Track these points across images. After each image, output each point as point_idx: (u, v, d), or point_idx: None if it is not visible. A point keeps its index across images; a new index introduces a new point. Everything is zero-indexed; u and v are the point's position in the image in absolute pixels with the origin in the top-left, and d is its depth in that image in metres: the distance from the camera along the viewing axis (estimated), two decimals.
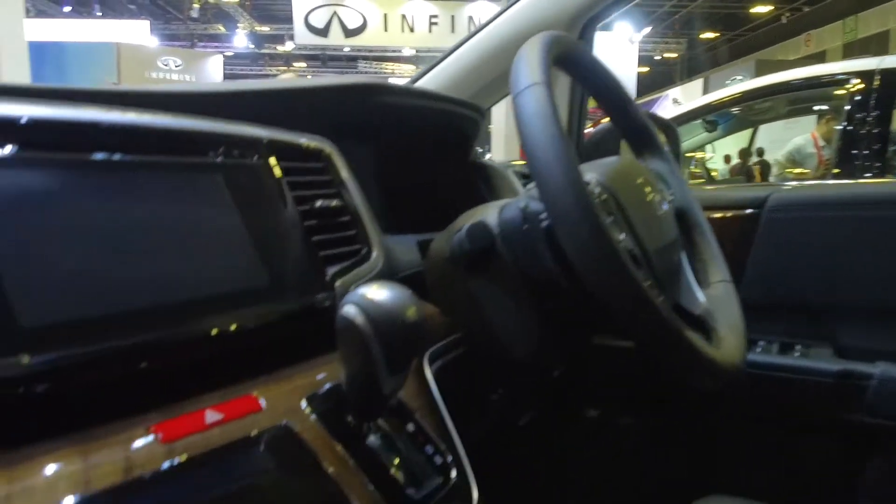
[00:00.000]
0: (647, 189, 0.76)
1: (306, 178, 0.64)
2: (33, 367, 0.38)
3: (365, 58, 17.99)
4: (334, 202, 0.65)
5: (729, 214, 1.20)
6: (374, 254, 0.67)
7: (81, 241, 0.44)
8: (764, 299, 1.16)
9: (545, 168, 0.57)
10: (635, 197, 0.73)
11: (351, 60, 18.41)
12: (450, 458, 0.58)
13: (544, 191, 0.58)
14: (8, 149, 0.43)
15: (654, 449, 1.28)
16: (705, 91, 10.87)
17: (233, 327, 0.50)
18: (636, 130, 0.89)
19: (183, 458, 0.42)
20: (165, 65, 11.62)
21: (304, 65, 20.07)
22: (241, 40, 16.92)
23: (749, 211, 1.18)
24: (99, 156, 0.48)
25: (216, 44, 16.48)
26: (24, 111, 0.46)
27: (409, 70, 18.74)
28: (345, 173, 0.70)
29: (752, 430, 1.16)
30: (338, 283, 0.60)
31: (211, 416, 0.45)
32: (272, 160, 0.61)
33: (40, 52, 8.80)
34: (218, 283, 0.51)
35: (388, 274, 0.68)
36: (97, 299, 0.43)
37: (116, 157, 0.49)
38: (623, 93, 0.86)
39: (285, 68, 19.97)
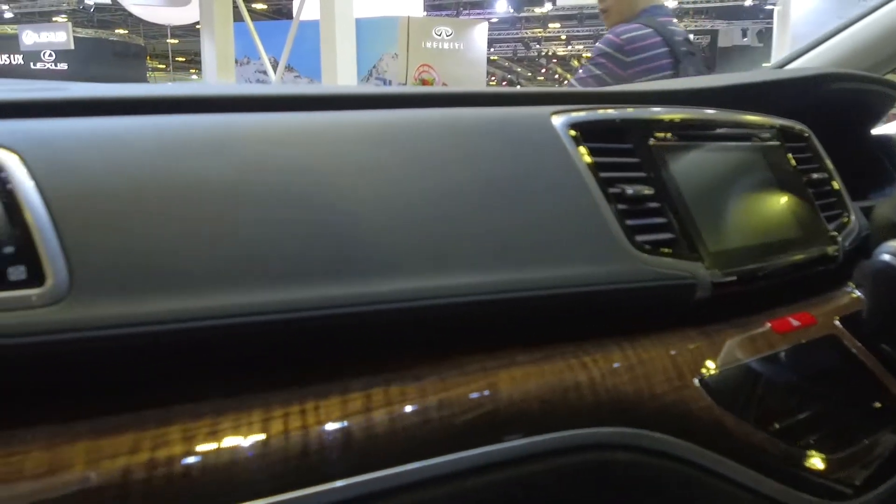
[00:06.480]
0: None
1: (804, 154, 0.82)
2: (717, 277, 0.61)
3: None
4: (821, 175, 0.82)
5: None
6: (853, 217, 0.82)
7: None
8: None
9: None
10: None
11: None
12: None
13: None
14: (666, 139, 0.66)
15: None
16: None
17: (788, 263, 0.70)
18: None
19: (790, 344, 0.64)
20: (438, 34, 12.52)
21: (558, 25, 20.17)
22: (501, 5, 17.50)
23: None
24: (698, 141, 0.71)
25: (479, 10, 17.27)
26: (660, 114, 0.69)
27: None
28: (821, 150, 0.86)
29: None
30: (839, 237, 0.77)
31: (793, 321, 0.67)
32: (781, 141, 0.80)
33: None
34: (774, 233, 0.71)
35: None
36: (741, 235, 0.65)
37: (713, 142, 0.71)
38: None
39: (541, 30, 20.23)
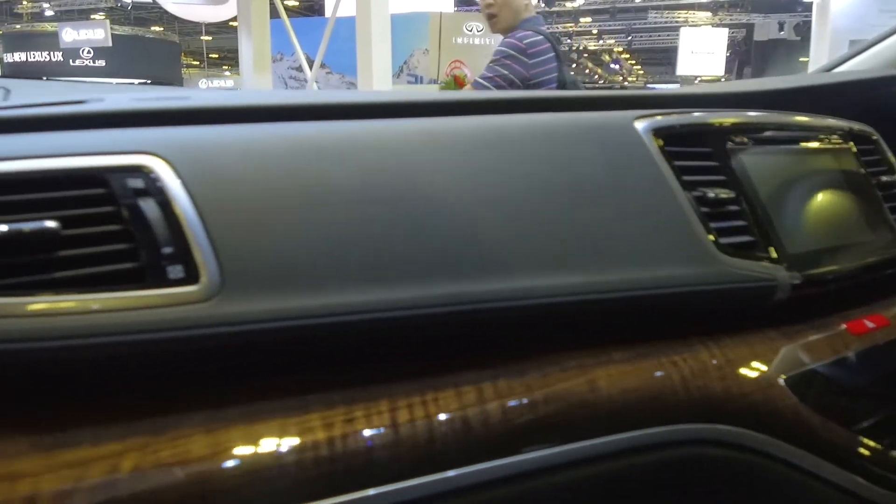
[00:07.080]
0: None
1: (872, 157, 0.82)
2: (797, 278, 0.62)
3: (656, 7, 17.32)
4: (890, 177, 0.83)
5: None
6: None
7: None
8: None
9: None
10: None
11: (641, 11, 17.88)
12: None
13: None
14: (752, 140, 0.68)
15: None
16: None
17: (862, 265, 0.71)
18: None
19: (867, 345, 0.65)
20: (469, 30, 12.52)
21: (589, 20, 20.01)
22: None
23: None
24: (780, 144, 0.72)
25: None
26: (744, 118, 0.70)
27: (703, 17, 17.58)
28: (889, 152, 0.86)
29: None
30: None
31: (868, 323, 0.68)
32: (851, 143, 0.81)
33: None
34: (847, 235, 0.72)
35: None
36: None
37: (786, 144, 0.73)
38: None
39: (572, 25, 20.08)
